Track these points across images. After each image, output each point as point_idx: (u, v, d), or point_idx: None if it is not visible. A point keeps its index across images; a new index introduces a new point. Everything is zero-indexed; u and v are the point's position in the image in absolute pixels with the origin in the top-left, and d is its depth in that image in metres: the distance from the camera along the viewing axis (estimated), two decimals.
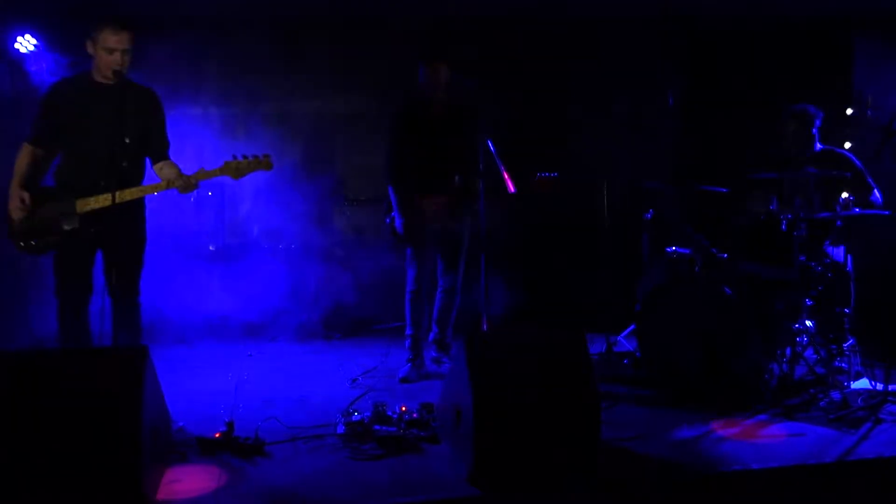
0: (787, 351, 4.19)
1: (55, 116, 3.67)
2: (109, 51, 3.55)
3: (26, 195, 3.60)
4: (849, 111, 6.24)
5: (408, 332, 4.74)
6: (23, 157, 3.68)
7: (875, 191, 4.67)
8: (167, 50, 5.62)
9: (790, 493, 3.08)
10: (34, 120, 3.72)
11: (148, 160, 3.82)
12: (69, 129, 3.66)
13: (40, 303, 3.74)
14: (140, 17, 4.08)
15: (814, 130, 4.76)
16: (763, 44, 6.30)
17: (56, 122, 3.67)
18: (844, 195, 4.29)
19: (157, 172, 3.77)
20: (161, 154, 3.81)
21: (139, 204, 3.77)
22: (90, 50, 3.62)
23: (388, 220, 4.70)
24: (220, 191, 6.10)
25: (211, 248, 5.99)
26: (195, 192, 5.12)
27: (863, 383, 4.24)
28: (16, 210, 3.60)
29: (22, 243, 3.64)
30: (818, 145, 4.82)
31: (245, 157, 3.70)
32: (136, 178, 3.73)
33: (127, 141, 3.62)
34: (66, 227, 3.56)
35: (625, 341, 5.31)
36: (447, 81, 4.52)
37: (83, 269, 3.68)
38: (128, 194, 3.57)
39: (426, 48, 4.58)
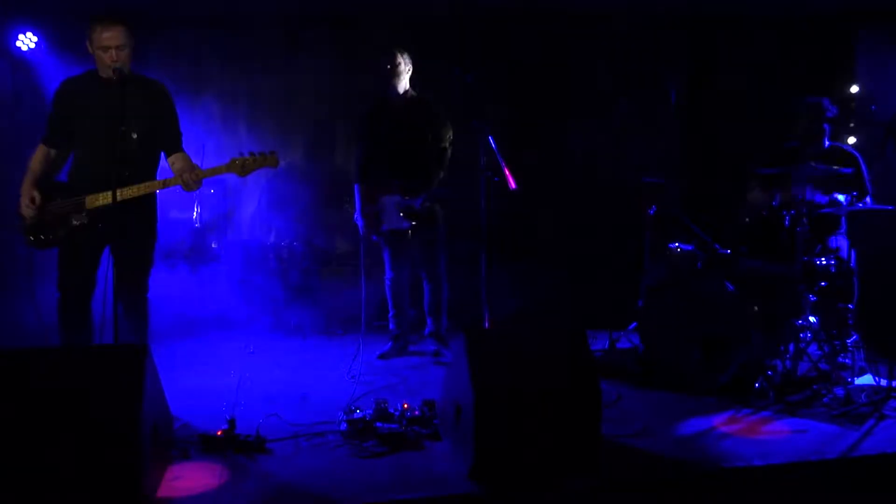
0: (790, 347, 4.18)
1: (64, 115, 3.69)
2: (104, 48, 3.55)
3: (36, 194, 3.63)
4: (852, 106, 6.22)
5: (390, 314, 5.05)
6: (36, 156, 3.73)
7: (868, 197, 4.64)
8: (167, 46, 5.63)
9: (793, 490, 3.07)
10: (46, 119, 3.75)
11: (163, 153, 3.83)
12: (77, 127, 3.68)
13: (51, 296, 3.75)
14: (140, 13, 4.08)
15: (825, 125, 4.73)
16: (765, 40, 6.28)
17: (65, 120, 3.69)
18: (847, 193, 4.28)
19: (170, 166, 3.78)
20: (173, 147, 3.80)
21: (150, 200, 3.76)
22: (90, 50, 3.63)
23: (354, 218, 4.86)
24: (223, 188, 6.10)
25: (213, 245, 5.99)
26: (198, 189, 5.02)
27: (866, 379, 4.23)
28: (26, 208, 3.63)
29: (31, 238, 3.66)
30: (826, 141, 4.79)
31: (252, 153, 3.68)
32: (148, 173, 3.73)
33: (134, 136, 3.62)
34: (75, 222, 3.59)
35: (627, 338, 5.30)
36: (408, 73, 4.61)
37: (87, 264, 3.68)
38: (133, 191, 3.56)
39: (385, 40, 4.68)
